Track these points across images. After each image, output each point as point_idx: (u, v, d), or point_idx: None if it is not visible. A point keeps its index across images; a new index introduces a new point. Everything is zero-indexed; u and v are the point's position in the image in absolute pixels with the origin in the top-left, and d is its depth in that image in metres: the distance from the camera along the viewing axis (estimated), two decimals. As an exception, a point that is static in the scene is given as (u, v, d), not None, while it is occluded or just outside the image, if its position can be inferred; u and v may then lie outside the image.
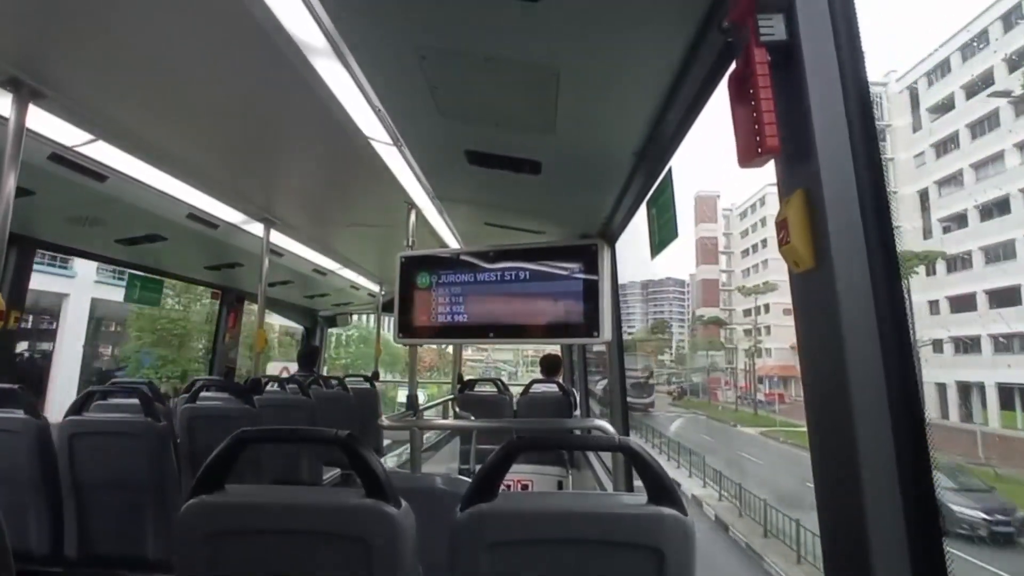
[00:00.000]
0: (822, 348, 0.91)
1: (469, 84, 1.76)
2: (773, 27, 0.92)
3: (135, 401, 2.54)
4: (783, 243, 0.92)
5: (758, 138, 0.91)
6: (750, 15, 0.92)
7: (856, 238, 0.86)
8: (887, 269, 0.85)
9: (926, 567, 0.81)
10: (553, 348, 6.90)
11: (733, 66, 1.03)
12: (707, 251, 59.44)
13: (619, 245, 3.13)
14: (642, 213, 2.33)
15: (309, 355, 5.49)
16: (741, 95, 0.96)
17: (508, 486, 1.12)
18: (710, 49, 1.26)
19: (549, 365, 5.32)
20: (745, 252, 51.82)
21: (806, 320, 0.96)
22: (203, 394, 3.30)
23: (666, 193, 1.97)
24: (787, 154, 0.93)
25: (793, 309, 0.98)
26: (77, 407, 2.52)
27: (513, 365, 44.09)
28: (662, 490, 1.10)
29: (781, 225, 0.92)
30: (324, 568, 1.12)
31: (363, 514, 1.12)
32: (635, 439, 1.28)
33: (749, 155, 0.95)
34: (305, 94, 1.93)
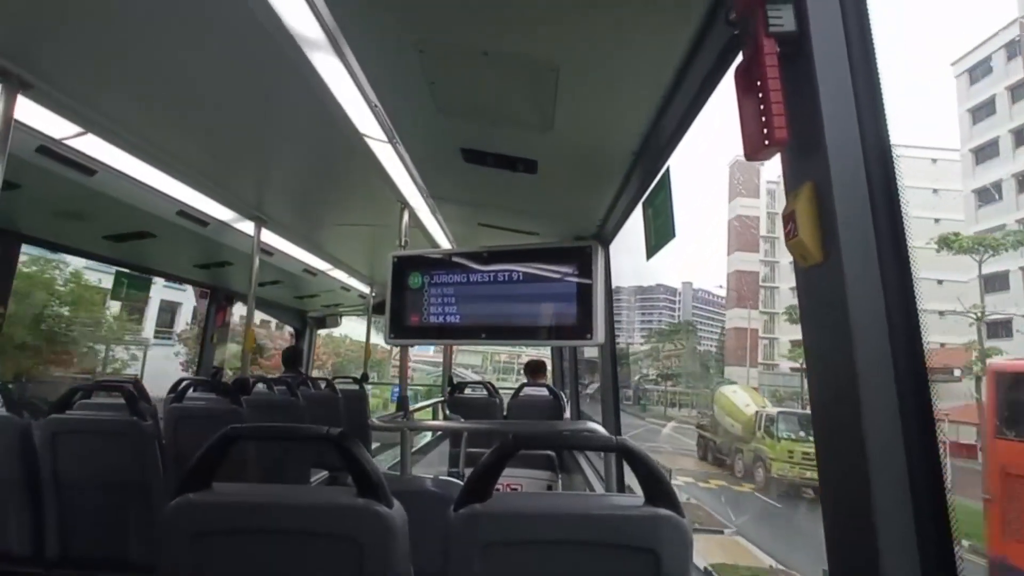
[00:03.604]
0: (830, 345, 0.90)
1: (467, 80, 1.74)
2: (782, 18, 0.91)
3: (120, 400, 2.49)
4: (790, 237, 0.91)
5: (766, 130, 0.90)
6: (759, 6, 0.91)
7: (866, 232, 0.85)
8: (898, 264, 0.84)
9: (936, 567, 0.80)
10: (537, 353, 6.91)
11: (739, 59, 1.02)
12: (744, 235, 43.70)
13: (613, 250, 3.14)
14: (637, 214, 2.33)
15: (294, 356, 5.46)
16: (748, 87, 0.95)
17: (497, 490, 1.12)
18: (715, 42, 1.25)
19: (534, 369, 5.41)
20: (796, 237, 42.66)
21: (813, 317, 0.95)
22: (190, 394, 3.26)
23: (663, 193, 1.96)
24: (795, 146, 0.92)
25: (799, 306, 0.97)
26: (61, 405, 2.47)
27: (479, 371, 37.70)
28: (659, 491, 1.09)
29: (788, 219, 0.91)
30: (314, 568, 1.10)
31: (355, 513, 1.10)
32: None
33: (756, 147, 0.93)
34: (301, 89, 1.90)
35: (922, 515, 0.80)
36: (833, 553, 0.92)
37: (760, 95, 0.91)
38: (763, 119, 0.90)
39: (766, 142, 0.90)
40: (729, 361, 41.70)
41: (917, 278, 0.83)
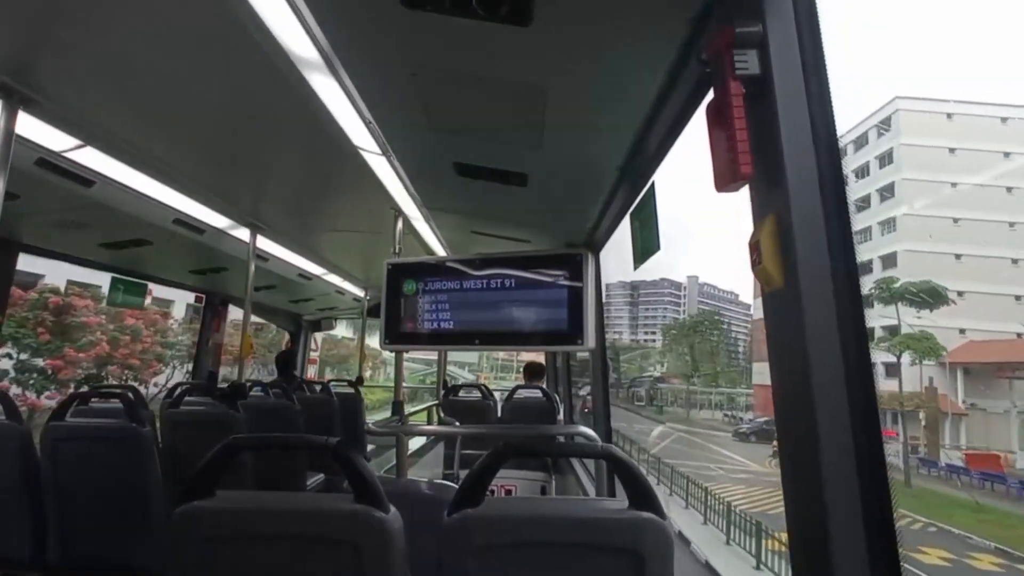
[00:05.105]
0: (790, 361, 0.98)
1: (459, 101, 1.81)
2: (747, 62, 0.98)
3: (117, 405, 2.54)
4: (755, 264, 0.99)
5: (733, 165, 0.98)
6: (726, 51, 0.99)
7: (822, 259, 0.93)
8: (849, 288, 0.92)
9: (882, 561, 0.88)
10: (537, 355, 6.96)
11: (711, 95, 1.10)
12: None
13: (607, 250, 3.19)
14: (626, 223, 2.40)
15: (287, 360, 5.44)
16: (718, 123, 1.03)
17: (492, 491, 1.16)
18: (690, 76, 1.34)
19: (533, 372, 5.45)
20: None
21: (776, 336, 1.03)
22: (186, 399, 3.30)
23: (649, 206, 2.03)
24: (760, 180, 1.00)
25: (765, 326, 1.05)
26: (60, 411, 2.51)
27: (475, 370, 34.29)
28: (643, 495, 1.15)
29: (754, 248, 0.99)
30: (315, 572, 1.15)
31: (354, 519, 1.15)
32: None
33: (725, 180, 1.01)
34: (296, 104, 1.95)
35: (869, 512, 0.90)
36: (793, 540, 1.02)
37: (728, 132, 0.99)
38: (731, 155, 0.98)
39: (734, 176, 0.98)
40: (757, 356, 40.06)
41: (866, 300, 0.92)
